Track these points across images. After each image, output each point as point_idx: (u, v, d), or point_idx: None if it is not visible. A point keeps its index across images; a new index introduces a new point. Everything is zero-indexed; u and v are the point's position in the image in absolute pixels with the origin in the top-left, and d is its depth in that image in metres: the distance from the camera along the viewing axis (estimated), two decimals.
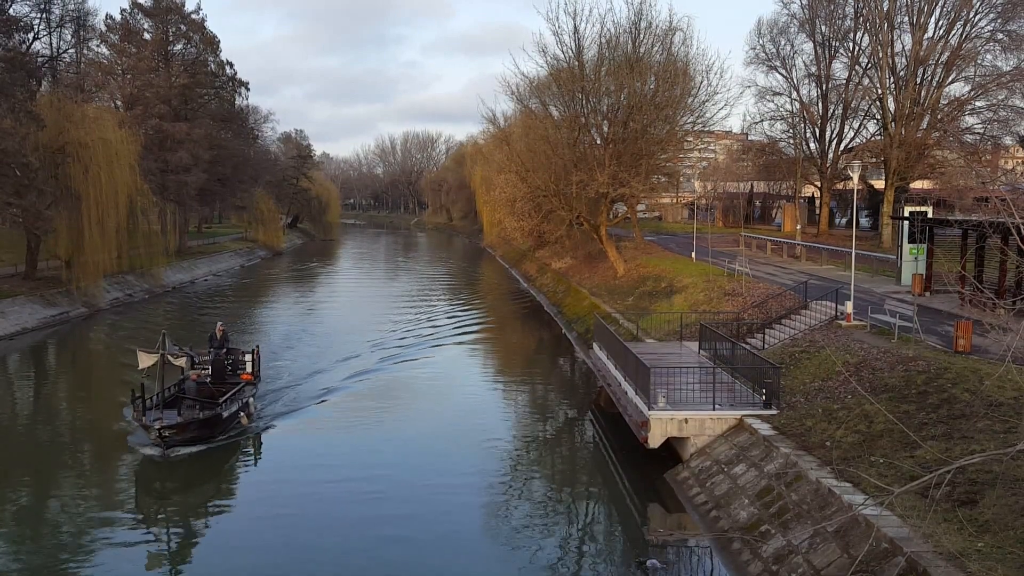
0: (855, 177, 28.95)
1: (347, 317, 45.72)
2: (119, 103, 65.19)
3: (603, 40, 46.05)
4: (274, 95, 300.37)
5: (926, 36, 50.82)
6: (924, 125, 52.17)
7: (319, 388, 27.81)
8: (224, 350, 25.93)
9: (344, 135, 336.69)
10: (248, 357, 25.94)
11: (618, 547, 16.24)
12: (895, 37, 52.58)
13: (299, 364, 31.70)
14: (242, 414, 22.82)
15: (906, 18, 52.15)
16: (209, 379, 24.28)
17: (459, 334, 39.66)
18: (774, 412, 19.02)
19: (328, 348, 35.02)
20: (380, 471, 20.03)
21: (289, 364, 31.67)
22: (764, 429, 18.18)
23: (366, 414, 25.21)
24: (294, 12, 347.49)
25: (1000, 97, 48.88)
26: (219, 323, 27.20)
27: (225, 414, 21.91)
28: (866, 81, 56.90)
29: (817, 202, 67.51)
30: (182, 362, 21.86)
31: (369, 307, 50.03)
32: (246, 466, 21.34)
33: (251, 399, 24.17)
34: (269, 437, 22.86)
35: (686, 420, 19.16)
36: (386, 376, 30.39)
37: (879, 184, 60.96)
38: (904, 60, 52.55)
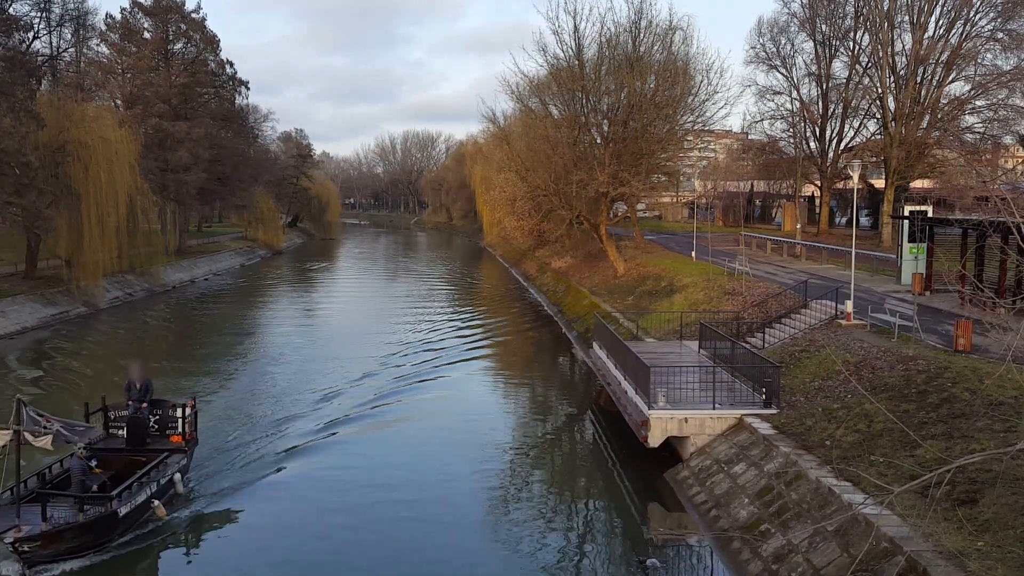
0: (855, 176, 28.94)
1: (341, 327, 43.69)
2: (119, 102, 65.22)
3: (603, 39, 46.09)
4: (278, 95, 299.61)
5: (926, 35, 50.87)
6: (924, 124, 52.23)
7: (286, 446, 21.53)
8: (145, 404, 19.45)
9: (347, 135, 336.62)
10: (179, 412, 19.35)
11: (618, 546, 16.23)
12: (895, 36, 52.75)
13: (271, 403, 25.90)
14: (155, 503, 16.12)
15: (906, 17, 52.24)
16: (110, 455, 17.93)
17: (458, 341, 38.45)
18: (774, 411, 19.02)
19: (312, 375, 29.87)
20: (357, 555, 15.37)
21: (260, 403, 25.94)
22: (764, 428, 18.18)
23: (344, 475, 19.63)
24: (300, 12, 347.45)
25: (1000, 96, 48.94)
26: (136, 365, 20.44)
27: (124, 509, 15.37)
28: (866, 80, 56.98)
29: (817, 201, 67.55)
30: (44, 442, 14.59)
31: (365, 314, 48.85)
32: None
33: (178, 475, 17.68)
34: (200, 530, 16.36)
35: (686, 419, 19.17)
36: (375, 420, 24.48)
37: (879, 183, 60.99)
38: (904, 59, 52.63)
